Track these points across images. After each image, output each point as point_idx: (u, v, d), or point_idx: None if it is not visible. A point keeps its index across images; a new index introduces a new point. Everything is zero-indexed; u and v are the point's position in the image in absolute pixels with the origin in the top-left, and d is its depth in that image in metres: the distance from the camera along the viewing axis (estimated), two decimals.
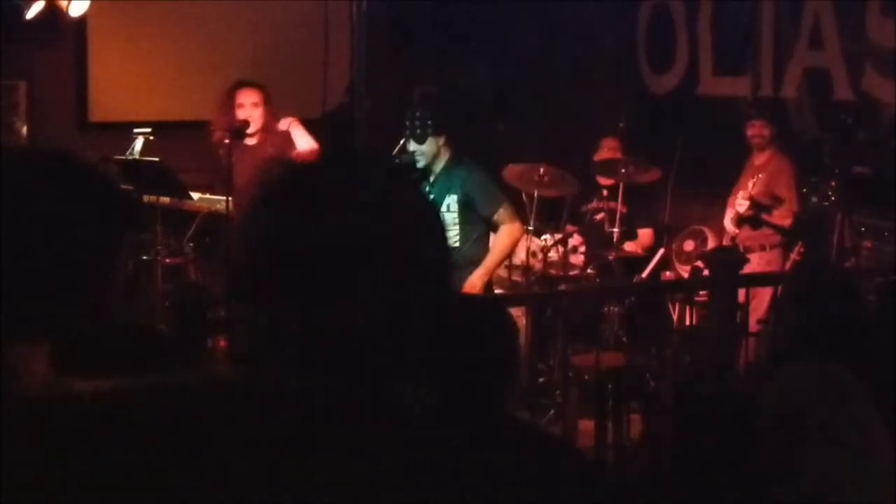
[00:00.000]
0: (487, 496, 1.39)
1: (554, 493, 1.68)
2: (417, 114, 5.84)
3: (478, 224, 6.00)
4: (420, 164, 5.98)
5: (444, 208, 5.97)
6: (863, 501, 2.68)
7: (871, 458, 2.67)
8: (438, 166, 6.00)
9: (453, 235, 5.99)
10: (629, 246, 7.47)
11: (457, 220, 5.97)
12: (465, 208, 5.95)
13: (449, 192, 5.96)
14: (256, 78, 6.91)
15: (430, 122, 5.78)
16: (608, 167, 7.53)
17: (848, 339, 3.12)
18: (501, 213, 5.96)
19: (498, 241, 6.00)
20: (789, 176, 7.03)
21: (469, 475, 1.37)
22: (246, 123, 6.61)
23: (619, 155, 7.63)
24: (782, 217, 6.98)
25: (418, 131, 5.82)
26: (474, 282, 5.93)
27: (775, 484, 2.70)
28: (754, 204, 6.93)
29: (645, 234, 7.63)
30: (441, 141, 5.94)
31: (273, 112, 6.68)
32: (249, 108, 6.58)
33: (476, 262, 5.93)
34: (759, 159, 7.16)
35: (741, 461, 2.89)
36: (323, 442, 1.33)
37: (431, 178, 6.00)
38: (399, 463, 1.34)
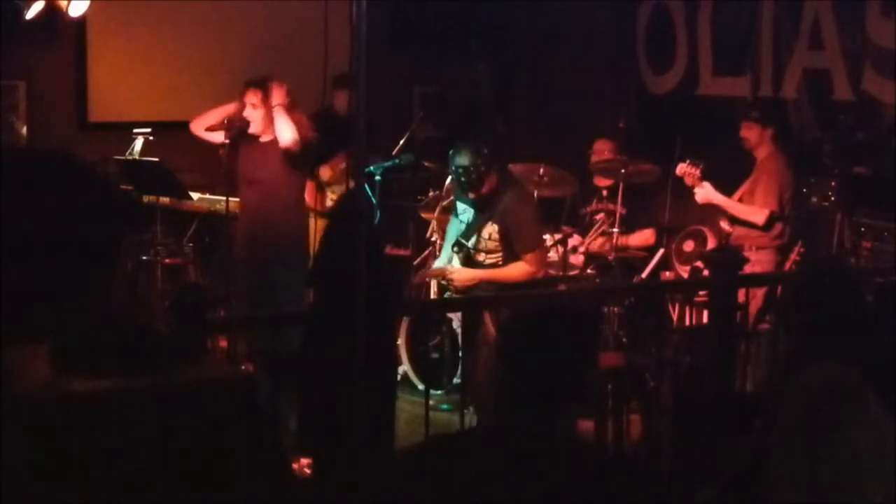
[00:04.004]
0: None
1: None
2: (460, 170, 5.83)
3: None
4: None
5: (485, 236, 5.96)
6: (875, 502, 2.67)
7: (883, 458, 2.67)
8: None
9: (495, 257, 6.00)
10: (630, 239, 7.44)
11: (499, 247, 5.97)
12: (505, 238, 5.94)
13: (490, 220, 5.95)
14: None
15: (474, 177, 5.81)
16: (606, 168, 7.51)
17: (855, 339, 3.11)
18: (530, 258, 5.94)
19: (508, 268, 5.97)
20: (776, 176, 6.92)
21: None
22: (246, 124, 6.63)
23: (613, 156, 7.62)
24: (752, 213, 6.91)
25: (468, 188, 5.87)
26: (462, 274, 5.95)
27: (785, 484, 2.70)
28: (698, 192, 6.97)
29: (646, 233, 7.61)
30: (493, 178, 5.95)
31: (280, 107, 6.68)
32: (250, 108, 6.60)
33: (510, 288, 5.91)
34: (759, 158, 7.13)
35: (749, 461, 2.88)
36: None
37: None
38: None
